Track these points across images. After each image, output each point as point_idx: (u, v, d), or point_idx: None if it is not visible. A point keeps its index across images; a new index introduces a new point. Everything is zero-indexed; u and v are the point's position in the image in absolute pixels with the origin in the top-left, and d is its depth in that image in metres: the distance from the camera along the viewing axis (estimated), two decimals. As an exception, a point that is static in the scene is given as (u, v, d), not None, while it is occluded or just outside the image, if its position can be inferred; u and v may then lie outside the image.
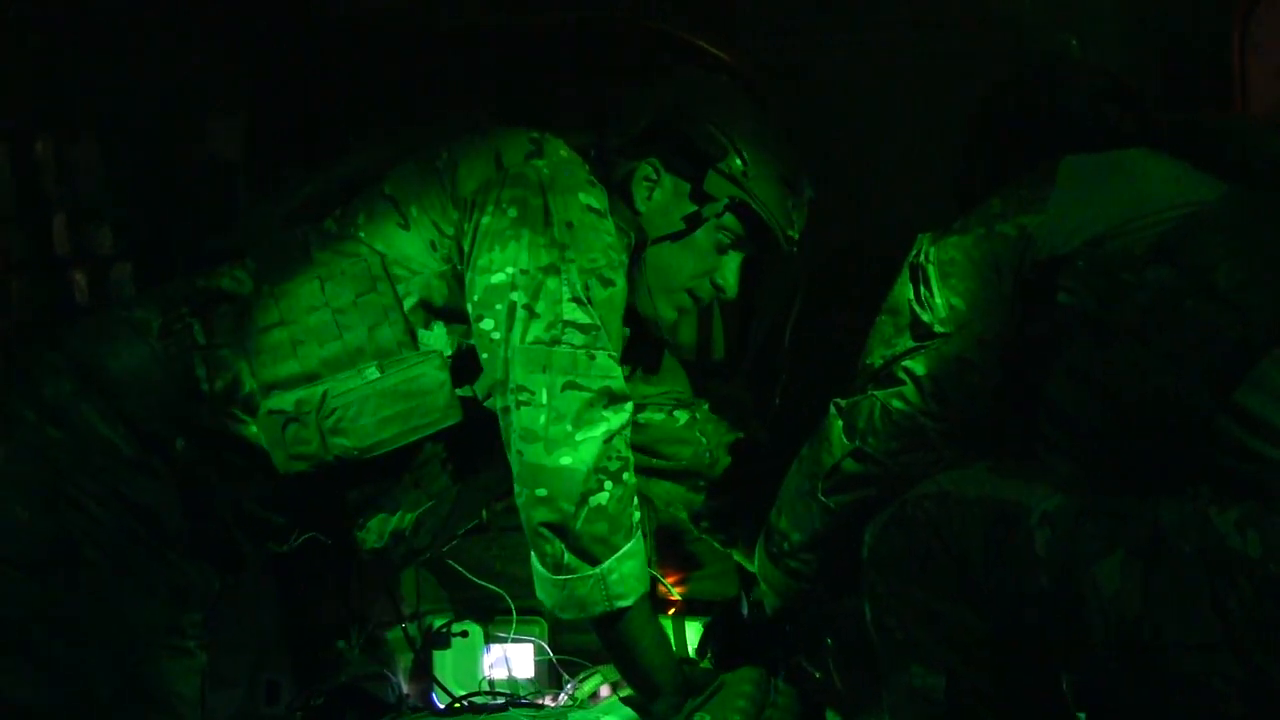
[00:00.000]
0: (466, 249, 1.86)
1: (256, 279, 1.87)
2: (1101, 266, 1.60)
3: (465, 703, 2.40)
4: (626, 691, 2.15)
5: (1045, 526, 1.55)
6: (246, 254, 1.91)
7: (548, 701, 2.39)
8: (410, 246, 1.87)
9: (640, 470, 2.07)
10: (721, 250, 2.08)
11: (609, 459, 1.81)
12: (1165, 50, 2.39)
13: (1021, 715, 1.66)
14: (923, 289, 1.75)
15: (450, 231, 1.87)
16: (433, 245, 1.87)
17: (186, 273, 1.95)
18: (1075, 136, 1.80)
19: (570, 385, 1.80)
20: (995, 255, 1.70)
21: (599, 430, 1.80)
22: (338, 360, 1.82)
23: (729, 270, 2.09)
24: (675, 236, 2.04)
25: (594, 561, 1.83)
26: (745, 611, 2.09)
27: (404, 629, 2.58)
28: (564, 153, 1.93)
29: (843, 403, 1.83)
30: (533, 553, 1.88)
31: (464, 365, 1.88)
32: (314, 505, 1.89)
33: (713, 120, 2.01)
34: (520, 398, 1.81)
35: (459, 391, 1.86)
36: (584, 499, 1.79)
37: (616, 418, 1.82)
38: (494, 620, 2.64)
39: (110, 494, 1.77)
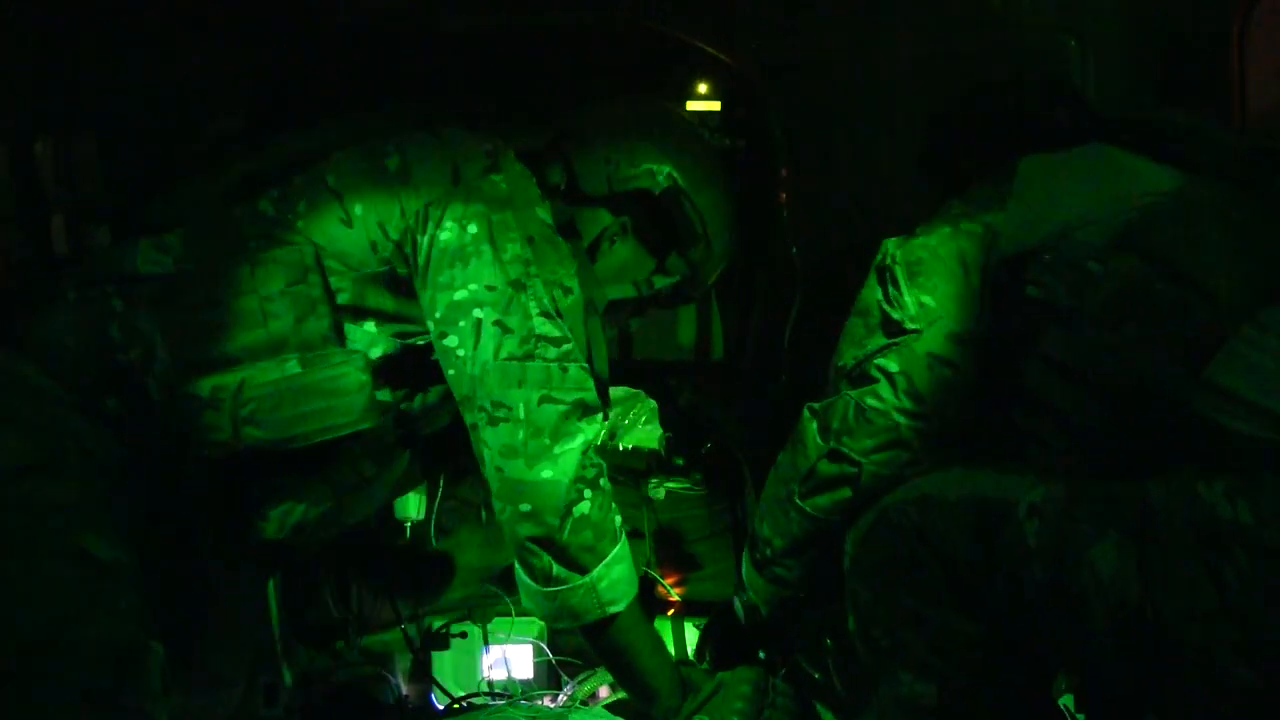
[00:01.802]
0: (421, 263, 1.84)
1: (183, 255, 1.84)
2: (1068, 258, 1.63)
3: (465, 703, 2.39)
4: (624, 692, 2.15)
5: (1034, 518, 1.55)
6: (176, 229, 1.87)
7: (547, 702, 2.38)
8: (349, 244, 1.84)
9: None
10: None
11: (586, 468, 1.82)
12: (1165, 50, 2.38)
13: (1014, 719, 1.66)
14: (891, 289, 1.78)
15: (395, 236, 1.84)
16: (374, 246, 1.84)
17: (115, 242, 1.92)
18: (1028, 139, 1.82)
19: (546, 399, 1.81)
20: (962, 252, 1.74)
21: (577, 442, 1.81)
22: (260, 348, 1.78)
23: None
24: (619, 304, 2.12)
25: (583, 570, 1.83)
26: (740, 614, 2.08)
27: (403, 630, 2.57)
28: (518, 167, 1.93)
29: (816, 405, 1.84)
30: (519, 567, 1.87)
31: (390, 369, 1.87)
32: (218, 488, 1.85)
33: (697, 208, 2.07)
34: (497, 414, 1.80)
35: (380, 395, 1.84)
36: (568, 510, 1.80)
37: (591, 428, 1.84)
38: (493, 621, 2.64)
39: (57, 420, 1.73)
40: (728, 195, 2.15)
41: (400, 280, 1.85)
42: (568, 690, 2.40)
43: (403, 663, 2.63)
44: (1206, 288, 1.54)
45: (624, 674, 2.01)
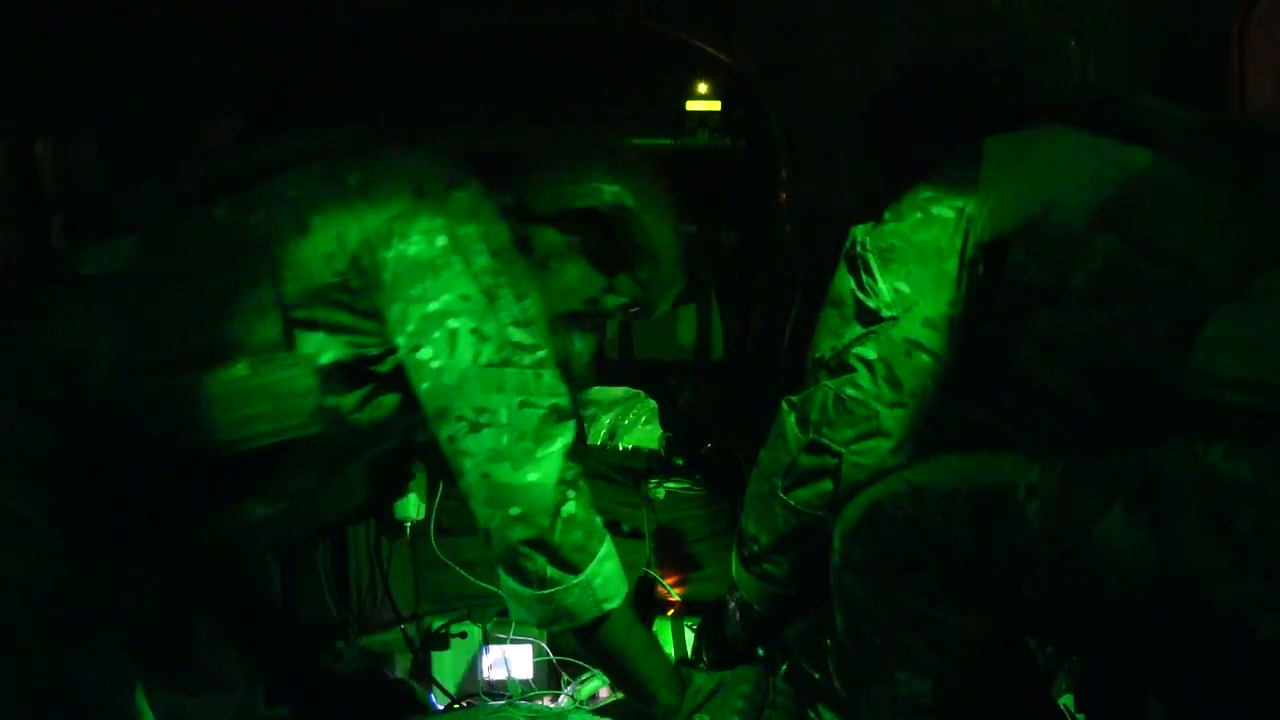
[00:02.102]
0: (386, 278, 1.83)
1: (135, 257, 1.83)
2: (1049, 239, 1.62)
3: (464, 704, 2.39)
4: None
5: (1033, 499, 1.55)
6: (130, 231, 1.86)
7: (547, 702, 2.38)
8: (305, 253, 1.82)
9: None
10: None
11: (567, 470, 1.83)
12: (1165, 50, 2.39)
13: (1013, 718, 1.65)
14: (864, 277, 1.76)
15: (353, 248, 1.83)
16: (329, 258, 1.83)
17: (69, 242, 1.92)
18: (978, 122, 1.82)
19: (525, 404, 1.81)
20: (935, 238, 1.72)
21: (557, 445, 1.82)
22: (209, 351, 1.78)
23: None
24: (571, 317, 2.09)
25: (577, 570, 1.83)
26: (734, 614, 2.08)
27: (403, 630, 2.57)
28: (475, 184, 1.93)
29: (794, 398, 1.84)
30: (507, 577, 1.87)
31: (340, 377, 1.85)
32: (165, 488, 1.84)
33: (645, 228, 2.05)
34: (481, 420, 1.81)
35: (328, 401, 1.83)
36: (557, 510, 1.80)
37: (568, 433, 1.84)
38: (493, 621, 2.64)
39: None
40: (675, 221, 2.14)
41: (355, 292, 1.85)
42: (568, 690, 2.40)
43: (403, 663, 2.62)
44: (1189, 264, 1.53)
45: (620, 674, 2.01)
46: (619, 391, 2.76)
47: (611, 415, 2.75)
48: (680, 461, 2.63)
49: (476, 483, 1.83)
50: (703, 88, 2.59)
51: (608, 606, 1.86)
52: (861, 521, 1.68)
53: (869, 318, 1.76)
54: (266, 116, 2.59)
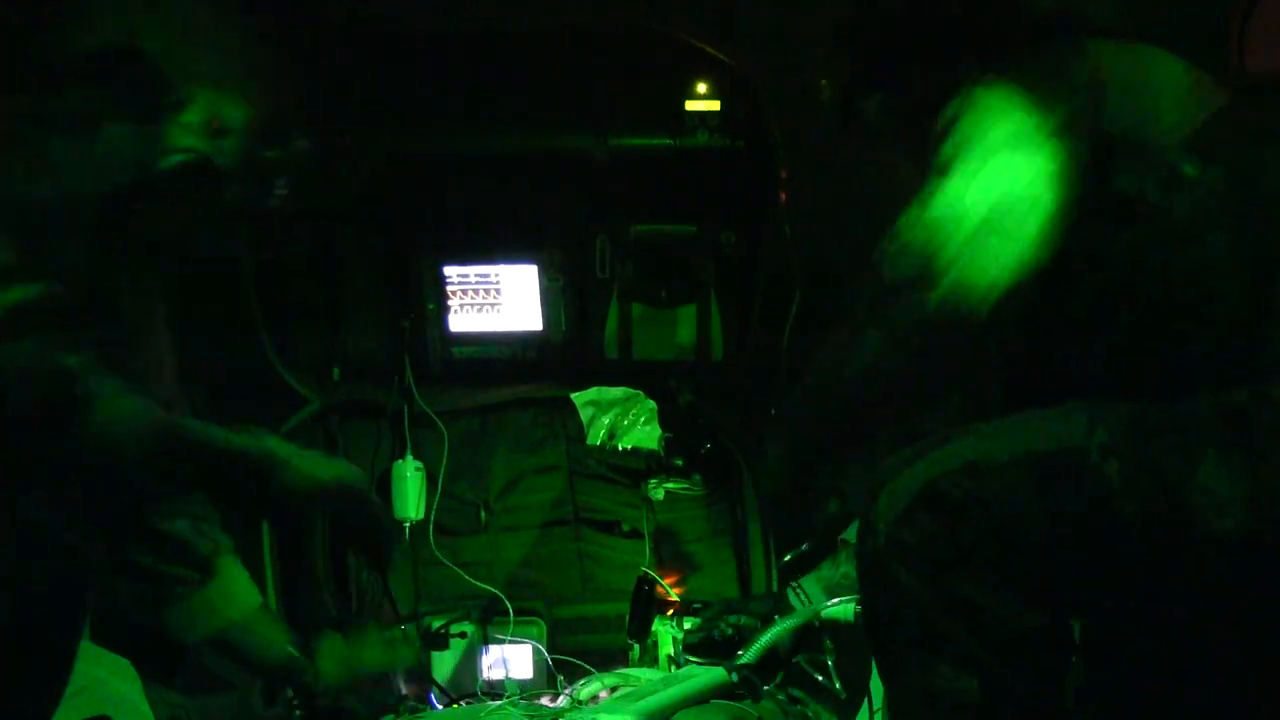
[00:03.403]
0: None
1: None
2: (1152, 153, 1.56)
3: (463, 703, 2.39)
4: (625, 691, 2.15)
5: (1110, 458, 1.47)
6: None
7: (546, 702, 2.38)
8: None
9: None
10: None
11: None
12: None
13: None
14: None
15: None
16: None
17: None
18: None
19: None
20: (1052, 122, 1.58)
21: None
22: None
23: None
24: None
25: None
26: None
27: (403, 629, 2.58)
28: None
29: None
30: None
31: None
32: None
33: (179, 61, 1.78)
34: None
35: None
36: None
37: None
38: (492, 621, 2.64)
39: None
40: (241, 37, 1.87)
41: None
42: (567, 691, 2.40)
43: (402, 663, 2.63)
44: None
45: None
46: (619, 391, 2.76)
47: (611, 415, 2.75)
48: (680, 461, 2.63)
49: None
50: (702, 88, 2.58)
51: None
52: (915, 502, 1.57)
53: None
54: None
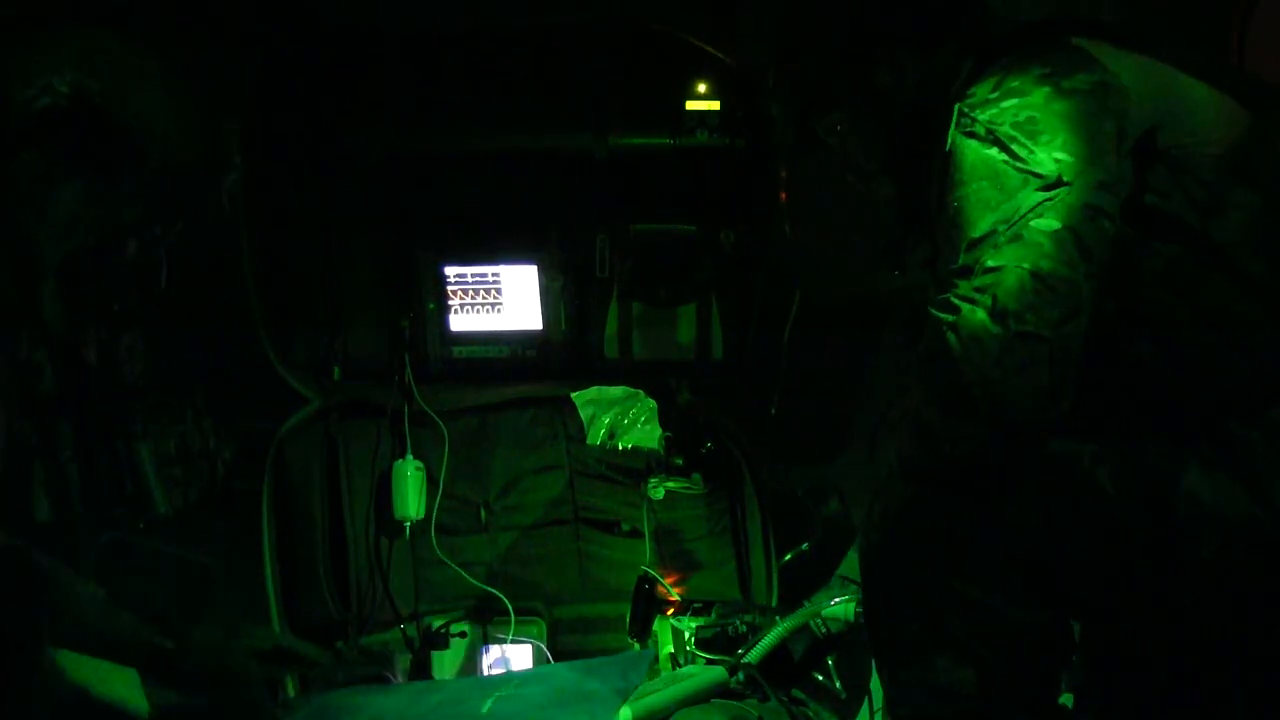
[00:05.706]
0: None
1: None
2: (1192, 168, 1.52)
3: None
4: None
5: (1102, 464, 1.50)
6: None
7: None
8: None
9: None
10: None
11: None
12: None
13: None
14: (1016, 147, 1.53)
15: None
16: None
17: None
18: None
19: None
20: (1076, 108, 1.53)
21: None
22: None
23: None
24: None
25: None
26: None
27: (403, 629, 2.57)
28: None
29: (957, 295, 1.51)
30: None
31: None
32: None
33: (132, 112, 1.77)
34: None
35: None
36: None
37: None
38: (492, 621, 2.64)
39: None
40: (182, 90, 1.84)
41: None
42: (567, 690, 2.39)
43: (402, 663, 2.62)
44: None
45: None
46: (619, 391, 2.76)
47: (611, 414, 2.75)
48: (680, 461, 2.63)
49: None
50: (702, 88, 2.58)
51: None
52: (914, 500, 1.59)
53: (1043, 184, 1.51)
54: (267, 116, 2.59)
